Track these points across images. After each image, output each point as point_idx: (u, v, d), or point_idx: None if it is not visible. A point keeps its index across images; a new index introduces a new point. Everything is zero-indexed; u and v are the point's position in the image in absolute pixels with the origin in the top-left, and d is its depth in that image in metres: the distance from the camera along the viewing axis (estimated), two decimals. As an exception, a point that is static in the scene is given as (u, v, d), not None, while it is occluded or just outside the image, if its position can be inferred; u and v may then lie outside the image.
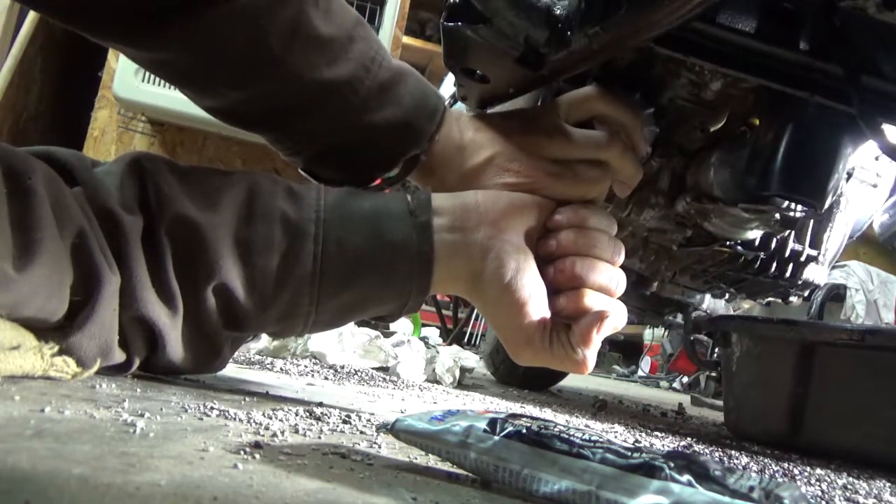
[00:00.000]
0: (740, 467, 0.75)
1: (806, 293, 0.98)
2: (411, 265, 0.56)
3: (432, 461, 0.46)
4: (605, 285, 0.58)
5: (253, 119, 0.64)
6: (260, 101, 0.62)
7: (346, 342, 1.14)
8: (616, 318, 0.56)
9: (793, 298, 0.99)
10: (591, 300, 0.57)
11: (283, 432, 0.47)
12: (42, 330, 0.47)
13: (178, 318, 0.53)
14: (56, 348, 0.48)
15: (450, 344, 1.99)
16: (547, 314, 0.57)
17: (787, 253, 0.90)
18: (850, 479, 0.78)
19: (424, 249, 0.56)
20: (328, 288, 0.55)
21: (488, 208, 0.58)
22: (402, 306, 0.58)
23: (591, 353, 0.57)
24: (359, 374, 1.04)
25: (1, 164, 0.46)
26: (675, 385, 3.28)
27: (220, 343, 0.57)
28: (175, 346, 0.54)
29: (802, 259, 0.91)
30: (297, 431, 0.48)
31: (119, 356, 0.52)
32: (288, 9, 0.57)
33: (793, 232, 0.89)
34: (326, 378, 0.92)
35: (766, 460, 0.84)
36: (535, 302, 0.57)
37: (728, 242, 0.88)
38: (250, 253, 0.54)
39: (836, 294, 2.50)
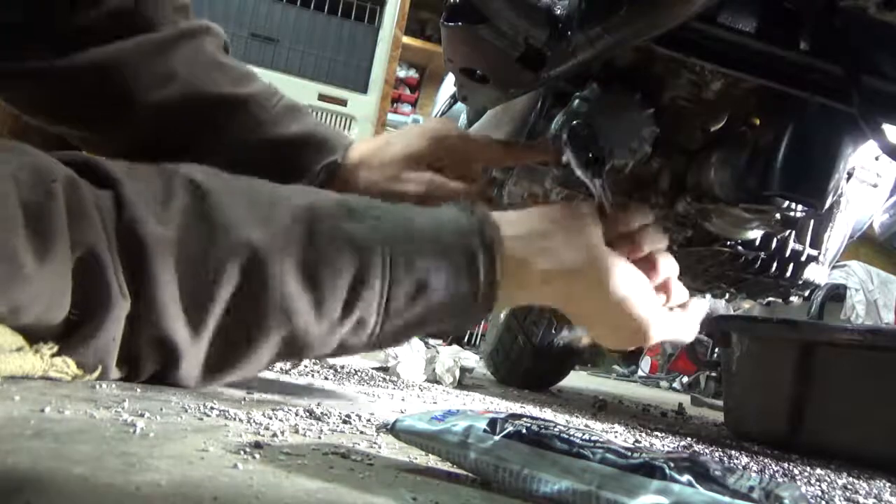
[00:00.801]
0: (740, 467, 0.75)
1: (806, 293, 0.98)
2: (477, 279, 0.54)
3: (432, 461, 0.46)
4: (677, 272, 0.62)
5: (156, 143, 0.68)
6: (166, 122, 0.66)
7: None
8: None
9: (793, 298, 0.99)
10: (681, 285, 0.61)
11: (283, 432, 0.47)
12: (37, 339, 0.47)
13: (202, 342, 0.51)
14: (55, 348, 0.47)
15: (450, 344, 1.99)
16: (655, 304, 0.58)
17: (788, 253, 0.90)
18: (850, 479, 0.78)
19: (490, 265, 0.54)
20: (394, 307, 0.54)
21: (556, 215, 0.58)
22: (465, 320, 0.57)
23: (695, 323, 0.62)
24: (359, 373, 1.04)
25: (26, 163, 0.45)
26: (675, 385, 3.28)
27: (243, 374, 0.55)
28: (190, 369, 0.52)
29: (803, 259, 0.91)
30: (297, 431, 0.48)
31: (115, 374, 0.50)
32: (191, 40, 0.65)
33: (793, 232, 0.89)
34: (326, 378, 0.92)
35: (766, 460, 0.84)
36: (641, 296, 0.57)
37: (728, 242, 0.88)
38: (319, 279, 0.52)
39: (836, 294, 2.50)
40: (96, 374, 0.50)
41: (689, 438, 0.96)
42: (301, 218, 0.53)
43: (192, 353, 0.51)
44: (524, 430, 0.41)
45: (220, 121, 0.68)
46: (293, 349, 0.53)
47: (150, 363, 0.51)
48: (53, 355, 0.47)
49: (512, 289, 0.56)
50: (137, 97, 0.67)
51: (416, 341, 1.26)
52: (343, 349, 0.56)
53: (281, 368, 0.92)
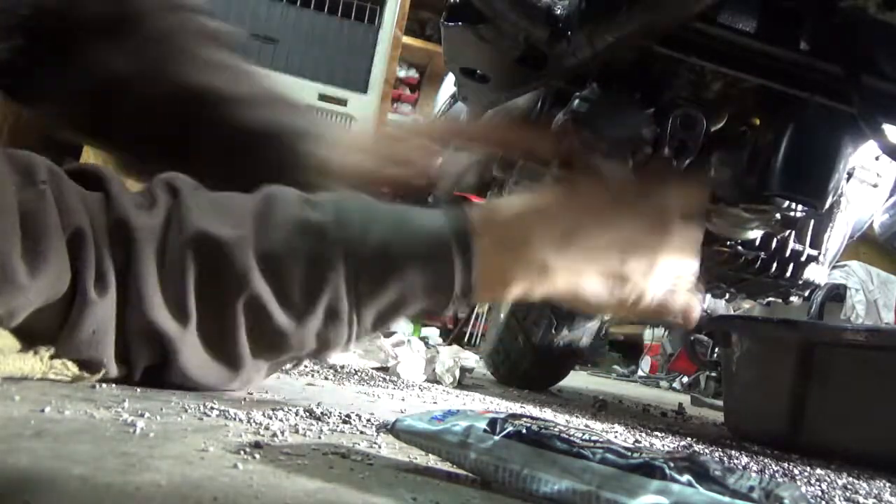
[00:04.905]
0: (740, 467, 0.75)
1: (806, 293, 0.98)
2: (448, 247, 0.53)
3: (432, 461, 0.46)
4: None
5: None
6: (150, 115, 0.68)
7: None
8: None
9: (793, 298, 0.99)
10: None
11: (283, 432, 0.47)
12: (32, 341, 0.47)
13: (191, 331, 0.51)
14: (52, 350, 0.47)
15: (450, 344, 1.99)
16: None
17: (788, 253, 0.90)
18: (850, 479, 0.78)
19: (461, 227, 0.53)
20: (367, 288, 0.52)
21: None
22: (448, 295, 0.54)
23: None
24: (359, 374, 1.04)
25: (14, 163, 0.45)
26: (675, 385, 3.28)
27: (241, 362, 0.55)
28: (190, 357, 0.52)
29: (803, 259, 0.91)
30: (297, 431, 0.48)
31: (115, 371, 0.51)
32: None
33: (793, 232, 0.89)
34: (326, 378, 0.92)
35: (766, 460, 0.84)
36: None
37: (728, 242, 0.88)
38: (277, 264, 0.51)
39: (836, 294, 2.50)
40: (99, 375, 0.50)
41: (689, 438, 0.96)
42: (256, 208, 0.53)
43: (188, 345, 0.51)
44: (524, 430, 0.41)
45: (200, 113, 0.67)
46: (270, 344, 0.53)
47: (142, 357, 0.52)
48: (52, 357, 0.47)
49: (496, 280, 0.55)
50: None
51: (416, 341, 1.26)
52: (326, 345, 0.55)
53: (281, 368, 0.92)
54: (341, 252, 0.52)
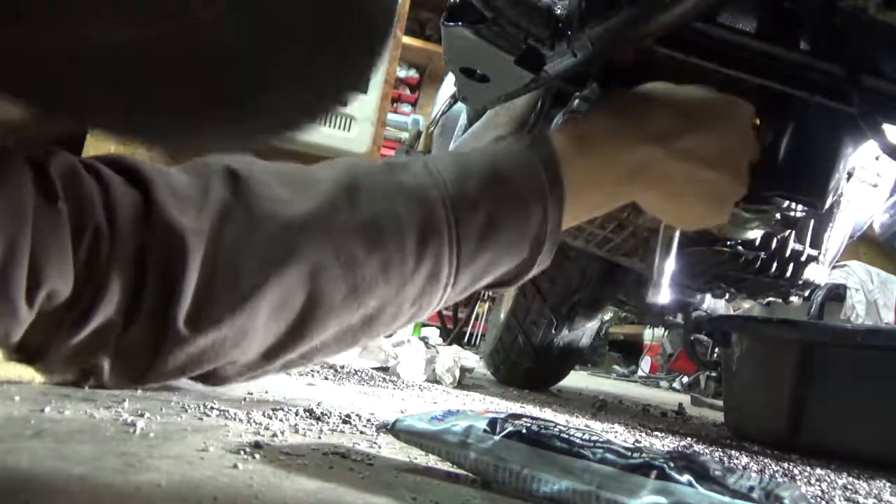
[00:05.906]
0: (740, 467, 0.75)
1: (806, 293, 0.98)
2: (544, 202, 0.52)
3: (432, 461, 0.46)
4: None
5: None
6: None
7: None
8: None
9: (793, 298, 0.99)
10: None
11: (283, 432, 0.47)
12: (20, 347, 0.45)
13: (247, 341, 0.46)
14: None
15: (450, 344, 1.99)
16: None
17: (788, 253, 0.90)
18: (850, 479, 0.78)
19: (554, 177, 0.52)
20: (467, 251, 0.50)
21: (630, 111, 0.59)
22: (534, 257, 0.53)
23: None
24: (359, 374, 1.04)
25: (36, 175, 0.40)
26: (675, 385, 3.27)
27: (312, 357, 0.51)
28: (231, 369, 0.48)
29: (803, 259, 0.90)
30: (297, 431, 0.48)
31: (108, 376, 0.46)
32: None
33: (793, 232, 0.89)
34: (326, 378, 0.92)
35: (766, 460, 0.84)
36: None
37: (728, 242, 0.88)
38: (378, 232, 0.47)
39: (836, 294, 2.50)
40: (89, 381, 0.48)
41: (689, 438, 0.96)
42: (342, 178, 0.49)
43: (245, 356, 0.47)
44: (524, 430, 0.41)
45: None
46: (365, 320, 0.50)
47: (174, 375, 0.47)
48: (40, 370, 0.47)
49: (585, 203, 0.55)
50: None
51: (416, 341, 1.26)
52: (416, 314, 0.52)
53: (281, 368, 0.92)
54: (444, 217, 0.49)
